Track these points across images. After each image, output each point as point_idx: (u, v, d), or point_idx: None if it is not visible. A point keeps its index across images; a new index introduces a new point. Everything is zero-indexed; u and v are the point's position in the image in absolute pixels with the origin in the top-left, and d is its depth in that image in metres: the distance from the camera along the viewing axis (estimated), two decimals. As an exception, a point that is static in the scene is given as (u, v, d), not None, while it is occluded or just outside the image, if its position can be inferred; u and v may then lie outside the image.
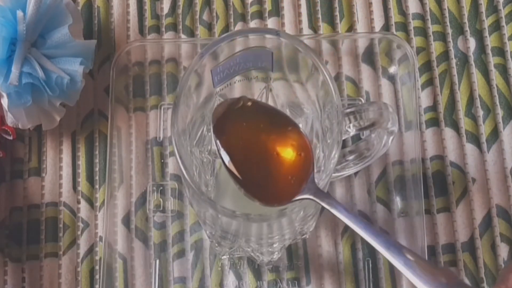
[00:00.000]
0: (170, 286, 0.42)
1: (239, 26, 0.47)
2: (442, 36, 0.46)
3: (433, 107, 0.45)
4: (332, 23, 0.47)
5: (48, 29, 0.42)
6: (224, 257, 0.42)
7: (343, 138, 0.36)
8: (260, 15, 0.47)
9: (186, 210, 0.43)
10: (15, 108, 0.41)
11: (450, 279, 0.29)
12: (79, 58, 0.42)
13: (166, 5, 0.47)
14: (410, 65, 0.44)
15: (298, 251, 0.42)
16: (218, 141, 0.33)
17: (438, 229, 0.43)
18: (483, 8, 0.47)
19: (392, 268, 0.42)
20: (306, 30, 0.47)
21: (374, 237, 0.30)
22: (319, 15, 0.47)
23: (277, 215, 0.32)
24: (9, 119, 0.41)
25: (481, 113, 0.45)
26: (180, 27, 0.47)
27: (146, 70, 0.46)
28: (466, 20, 0.47)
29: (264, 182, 0.33)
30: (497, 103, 0.45)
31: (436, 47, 0.46)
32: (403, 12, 0.47)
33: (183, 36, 0.47)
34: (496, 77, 0.45)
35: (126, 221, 0.43)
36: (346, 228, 0.42)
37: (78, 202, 0.43)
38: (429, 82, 0.45)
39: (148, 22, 0.47)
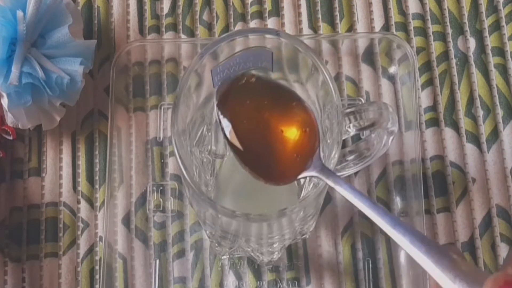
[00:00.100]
0: (170, 286, 0.42)
1: (239, 26, 0.47)
2: (442, 36, 0.46)
3: (433, 107, 0.45)
4: (332, 23, 0.47)
5: (48, 29, 0.42)
6: (224, 257, 0.42)
7: (343, 138, 0.36)
8: (260, 15, 0.47)
9: (186, 210, 0.43)
10: (15, 108, 0.41)
11: (452, 250, 0.29)
12: (79, 58, 0.42)
13: (166, 5, 0.47)
14: (410, 65, 0.44)
15: (298, 251, 0.42)
16: (221, 118, 0.33)
17: (438, 229, 0.43)
18: (483, 8, 0.47)
19: (392, 268, 0.42)
20: (306, 30, 0.47)
21: (380, 216, 0.29)
22: (319, 15, 0.47)
23: (277, 215, 0.32)
24: (9, 119, 0.41)
25: (481, 113, 0.45)
26: (180, 27, 0.47)
27: (146, 70, 0.46)
28: (466, 20, 0.47)
29: (269, 160, 0.33)
30: (497, 103, 0.45)
31: (436, 47, 0.46)
32: (403, 12, 0.47)
33: (183, 36, 0.47)
34: (496, 77, 0.45)
35: (126, 221, 0.43)
36: (346, 228, 0.42)
37: (78, 202, 0.43)
38: (429, 82, 0.45)
39: (148, 22, 0.47)
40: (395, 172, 0.43)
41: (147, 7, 0.47)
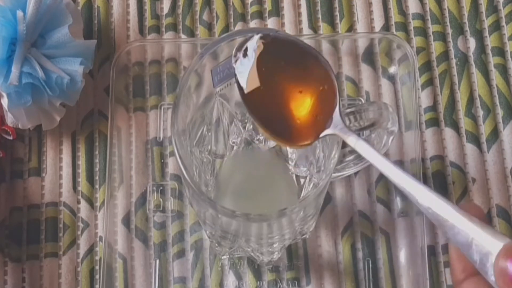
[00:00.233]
0: (170, 286, 0.42)
1: (239, 26, 0.47)
2: (442, 36, 0.46)
3: (433, 107, 0.45)
4: (332, 23, 0.47)
5: (48, 29, 0.42)
6: (224, 257, 0.42)
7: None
8: (260, 15, 0.47)
9: (186, 210, 0.43)
10: (15, 108, 0.41)
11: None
12: (79, 58, 0.42)
13: (166, 5, 0.47)
14: (410, 65, 0.44)
15: (298, 251, 0.42)
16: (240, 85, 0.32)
17: (438, 229, 0.42)
18: (483, 8, 0.47)
19: (392, 268, 0.42)
20: (306, 30, 0.47)
21: (401, 177, 0.29)
22: (319, 15, 0.47)
23: (277, 215, 0.32)
24: (9, 119, 0.41)
25: (481, 113, 0.45)
26: (180, 27, 0.47)
27: (146, 70, 0.46)
28: (466, 20, 0.47)
29: (290, 124, 0.33)
30: (497, 103, 0.45)
31: (436, 47, 0.46)
32: (403, 12, 0.47)
33: (183, 36, 0.47)
34: (496, 77, 0.45)
35: (126, 221, 0.43)
36: (346, 228, 0.42)
37: (78, 202, 0.43)
38: (429, 82, 0.45)
39: (148, 22, 0.47)
40: (395, 172, 0.43)
41: (147, 7, 0.47)
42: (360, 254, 0.42)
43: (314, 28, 0.47)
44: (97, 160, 0.44)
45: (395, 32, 0.46)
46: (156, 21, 0.47)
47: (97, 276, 0.42)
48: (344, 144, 0.39)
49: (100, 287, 0.41)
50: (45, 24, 0.41)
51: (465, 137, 0.44)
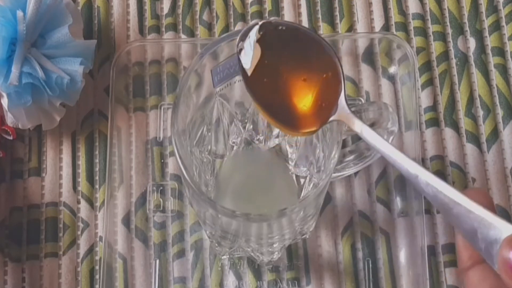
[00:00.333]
0: (170, 286, 0.42)
1: (239, 26, 0.47)
2: (442, 36, 0.46)
3: (433, 107, 0.45)
4: (332, 23, 0.47)
5: (48, 29, 0.42)
6: (224, 257, 0.42)
7: (343, 138, 0.36)
8: (260, 15, 0.47)
9: (186, 210, 0.43)
10: (15, 108, 0.41)
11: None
12: (79, 58, 0.42)
13: (166, 5, 0.47)
14: (410, 65, 0.44)
15: (298, 251, 0.42)
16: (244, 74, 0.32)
17: (438, 229, 0.42)
18: (483, 8, 0.47)
19: (392, 268, 0.42)
20: (306, 30, 0.47)
21: (407, 163, 0.29)
22: (319, 15, 0.47)
23: (277, 215, 0.32)
24: (9, 119, 0.41)
25: (481, 113, 0.45)
26: (180, 27, 0.47)
27: (146, 70, 0.46)
28: (466, 20, 0.47)
29: (295, 111, 0.33)
30: (497, 103, 0.45)
31: (436, 47, 0.46)
32: (403, 12, 0.47)
33: (183, 36, 0.47)
34: (496, 77, 0.45)
35: (126, 221, 0.43)
36: (346, 228, 0.42)
37: (78, 202, 0.43)
38: (429, 82, 0.45)
39: (148, 22, 0.47)
40: (395, 172, 0.43)
41: (147, 7, 0.47)
42: (360, 254, 0.42)
43: (314, 28, 0.47)
44: (97, 160, 0.44)
45: (395, 32, 0.46)
46: (156, 21, 0.47)
47: (97, 276, 0.42)
48: (344, 144, 0.39)
49: (100, 287, 0.41)
50: (45, 24, 0.41)
51: (465, 137, 0.44)
